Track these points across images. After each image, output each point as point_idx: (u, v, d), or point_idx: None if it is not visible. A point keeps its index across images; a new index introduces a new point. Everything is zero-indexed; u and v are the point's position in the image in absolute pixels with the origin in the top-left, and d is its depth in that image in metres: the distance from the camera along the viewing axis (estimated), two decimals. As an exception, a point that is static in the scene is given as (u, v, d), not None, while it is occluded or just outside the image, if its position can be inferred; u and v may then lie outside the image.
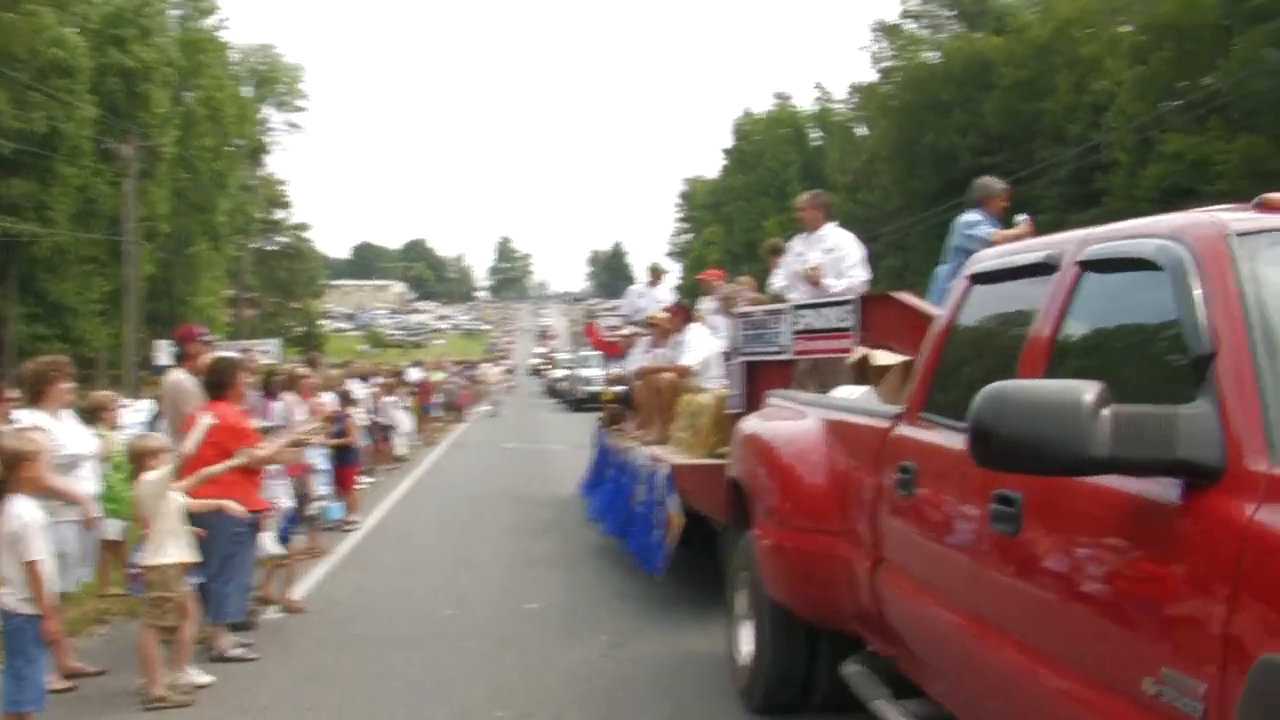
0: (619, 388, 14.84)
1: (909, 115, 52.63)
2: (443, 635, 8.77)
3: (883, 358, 9.60)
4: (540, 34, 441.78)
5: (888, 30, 57.89)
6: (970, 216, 9.29)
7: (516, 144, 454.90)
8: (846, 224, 13.85)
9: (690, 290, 33.17)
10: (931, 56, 54.58)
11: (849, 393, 7.09)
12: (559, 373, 57.67)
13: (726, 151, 78.35)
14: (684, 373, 11.84)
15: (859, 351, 7.61)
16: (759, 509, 6.11)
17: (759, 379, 8.54)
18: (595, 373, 39.52)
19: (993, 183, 9.62)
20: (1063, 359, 3.68)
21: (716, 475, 8.98)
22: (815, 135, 73.42)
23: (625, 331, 14.78)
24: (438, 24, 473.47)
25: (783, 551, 5.76)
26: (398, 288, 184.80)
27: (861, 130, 64.33)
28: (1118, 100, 42.80)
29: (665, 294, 16.39)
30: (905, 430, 4.85)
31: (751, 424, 6.90)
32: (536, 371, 77.27)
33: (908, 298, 7.44)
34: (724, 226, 72.75)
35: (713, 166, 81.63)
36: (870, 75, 61.11)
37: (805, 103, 75.19)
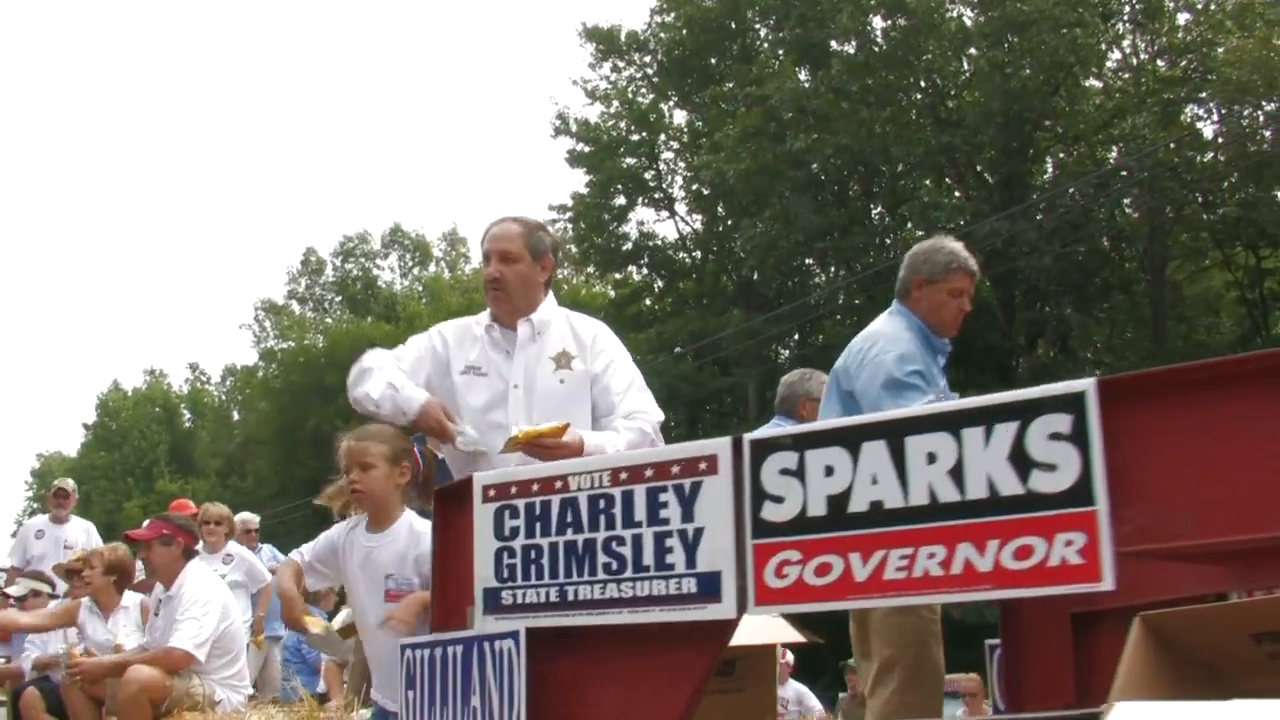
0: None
1: (293, 398, 46.81)
2: None
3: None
4: None
5: (272, 309, 52.22)
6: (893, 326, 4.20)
7: None
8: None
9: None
10: (318, 340, 49.30)
11: None
12: None
13: (88, 426, 67.62)
14: (175, 665, 5.43)
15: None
16: None
17: (578, 677, 2.59)
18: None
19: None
20: None
21: None
22: (188, 417, 65.06)
23: (14, 591, 8.20)
24: None
25: None
26: None
27: (238, 413, 57.30)
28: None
29: (79, 533, 9.75)
30: None
31: None
32: None
33: None
34: (80, 507, 61.36)
35: (72, 442, 70.09)
36: (250, 356, 54.94)
37: (179, 381, 66.97)
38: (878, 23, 30.54)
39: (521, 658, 2.59)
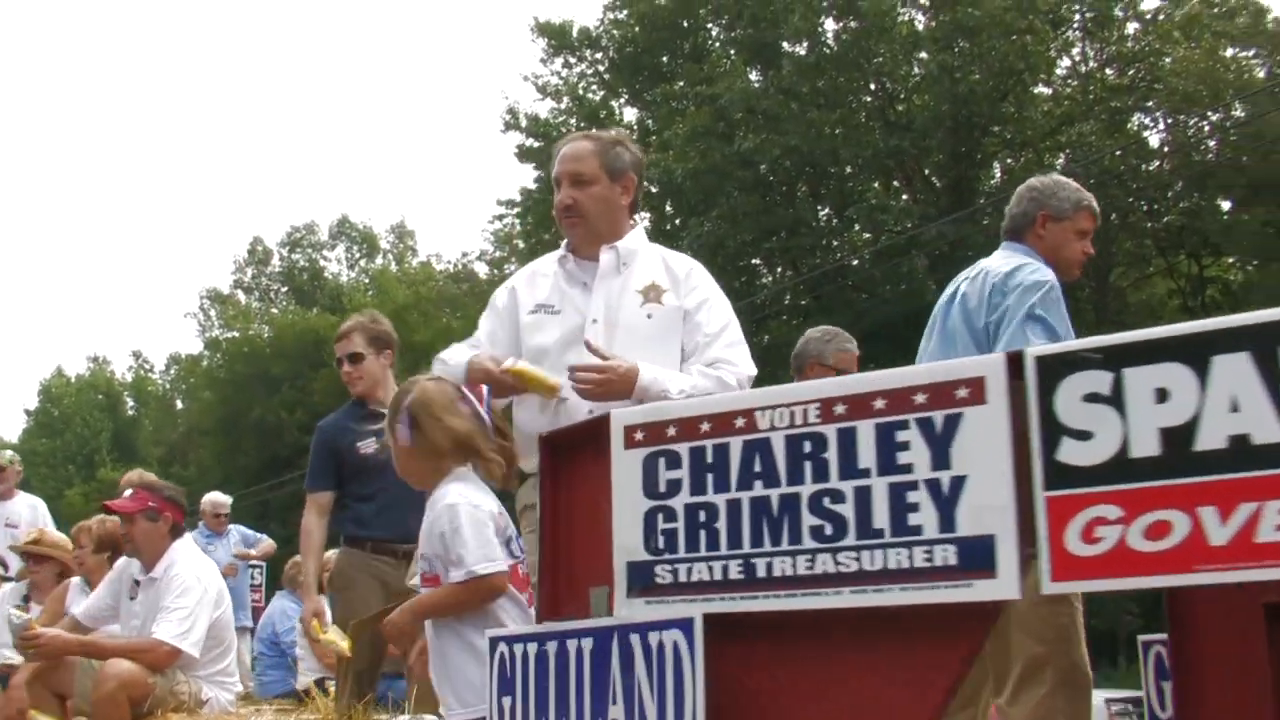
0: None
1: (237, 388, 45.58)
2: None
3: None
4: None
5: (218, 299, 50.87)
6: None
7: None
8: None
9: None
10: (263, 330, 48.05)
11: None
12: None
13: (30, 412, 65.60)
14: (160, 662, 4.68)
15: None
16: None
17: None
18: None
19: None
20: None
21: None
22: (131, 405, 63.18)
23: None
24: None
25: None
26: None
27: (181, 402, 55.70)
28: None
29: (24, 508, 8.98)
30: None
31: None
32: None
33: None
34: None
35: (13, 427, 68.07)
36: (195, 345, 53.60)
37: (123, 369, 65.08)
38: (829, 25, 30.17)
39: (696, 654, 1.89)
